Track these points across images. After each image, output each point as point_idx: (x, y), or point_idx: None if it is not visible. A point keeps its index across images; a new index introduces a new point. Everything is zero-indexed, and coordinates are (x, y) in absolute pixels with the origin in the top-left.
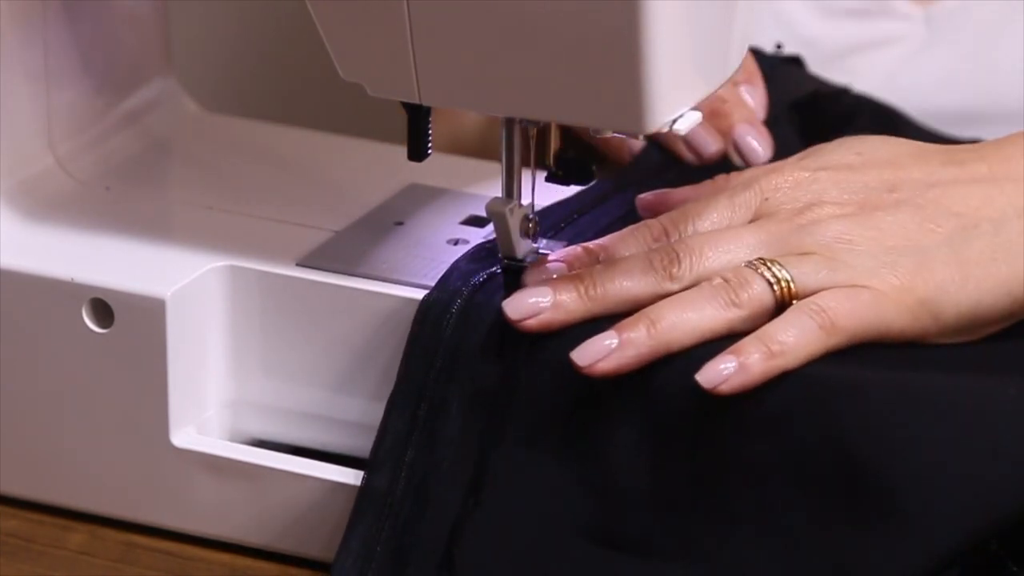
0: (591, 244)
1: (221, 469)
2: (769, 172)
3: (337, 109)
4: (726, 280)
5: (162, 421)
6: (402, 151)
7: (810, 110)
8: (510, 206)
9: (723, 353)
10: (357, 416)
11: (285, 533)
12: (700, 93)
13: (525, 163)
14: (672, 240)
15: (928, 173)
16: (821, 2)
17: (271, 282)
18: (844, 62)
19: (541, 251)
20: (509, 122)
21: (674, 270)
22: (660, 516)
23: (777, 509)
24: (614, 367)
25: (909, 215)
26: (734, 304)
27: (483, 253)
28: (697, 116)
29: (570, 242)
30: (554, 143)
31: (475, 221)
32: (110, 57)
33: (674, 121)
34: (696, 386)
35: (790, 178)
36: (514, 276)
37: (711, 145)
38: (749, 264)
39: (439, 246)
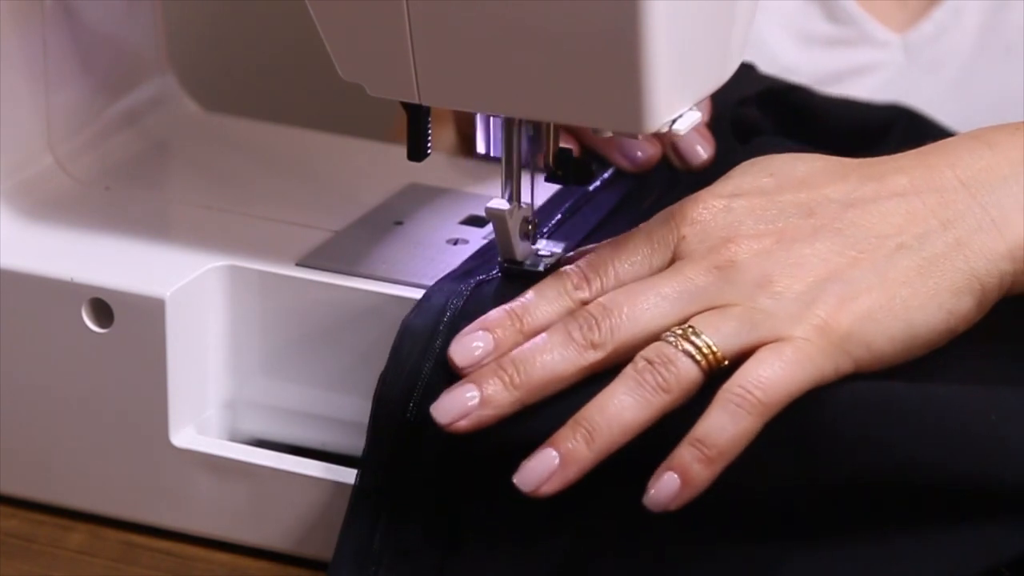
0: (511, 305)
1: (221, 469)
2: (684, 204)
3: (337, 109)
4: (649, 362)
5: (162, 421)
6: (402, 151)
7: (779, 103)
8: (510, 208)
9: (663, 468)
10: (356, 415)
11: (285, 533)
12: (700, 93)
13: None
14: (592, 286)
15: (845, 192)
16: (800, 30)
17: (271, 282)
18: (824, 90)
19: (540, 253)
20: (509, 122)
21: (594, 337)
22: (636, 563)
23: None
24: (559, 487)
25: (829, 244)
26: (663, 390)
27: (434, 303)
28: (697, 116)
29: (568, 243)
30: (554, 143)
31: (474, 221)
32: (109, 57)
33: (673, 121)
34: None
35: (704, 210)
36: (514, 278)
37: (647, 149)
38: (670, 336)
39: (438, 246)
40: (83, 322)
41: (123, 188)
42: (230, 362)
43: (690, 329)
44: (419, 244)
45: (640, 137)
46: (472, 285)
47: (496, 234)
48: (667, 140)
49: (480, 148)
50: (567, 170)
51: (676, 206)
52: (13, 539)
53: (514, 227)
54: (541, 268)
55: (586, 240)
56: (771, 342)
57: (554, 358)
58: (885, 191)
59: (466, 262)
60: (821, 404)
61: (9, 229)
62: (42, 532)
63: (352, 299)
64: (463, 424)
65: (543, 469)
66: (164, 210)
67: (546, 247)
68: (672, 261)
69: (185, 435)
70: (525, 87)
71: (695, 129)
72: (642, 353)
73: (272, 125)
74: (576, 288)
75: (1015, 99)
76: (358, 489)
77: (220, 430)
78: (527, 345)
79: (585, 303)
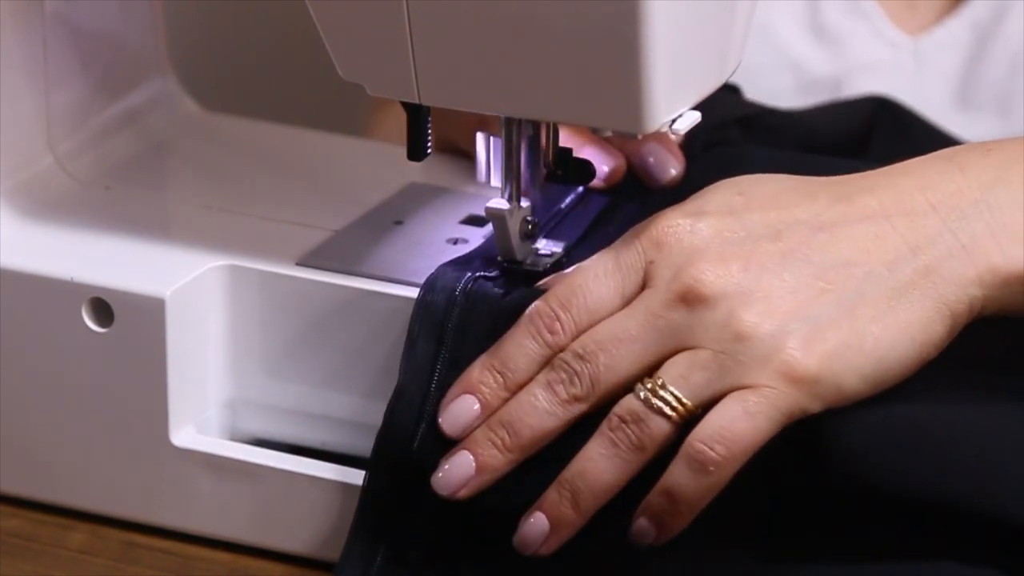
0: (490, 359)
1: (221, 468)
2: (649, 225)
3: (337, 109)
4: (622, 420)
5: (162, 420)
6: (402, 151)
7: (759, 126)
8: (510, 208)
9: (640, 511)
10: (356, 415)
11: (285, 532)
12: (700, 93)
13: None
14: (565, 328)
15: (814, 214)
16: (811, 21)
17: (271, 282)
18: (831, 86)
19: (541, 252)
20: (509, 122)
21: (576, 392)
22: None
23: None
24: (555, 547)
25: (796, 273)
26: (637, 448)
27: (421, 352)
28: (696, 116)
29: (568, 243)
30: (554, 143)
31: (474, 221)
32: (109, 57)
33: (673, 121)
34: None
35: (669, 230)
36: (516, 279)
37: (609, 162)
38: (641, 390)
39: (438, 245)
40: (83, 322)
41: (123, 188)
42: (230, 362)
43: (659, 382)
44: (419, 243)
45: (599, 150)
46: (464, 293)
47: (496, 234)
48: (636, 158)
49: (481, 176)
50: (567, 170)
51: (642, 226)
52: (14, 539)
53: (514, 227)
54: (541, 268)
55: (582, 239)
56: (738, 388)
57: (541, 416)
58: (854, 214)
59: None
60: (835, 429)
61: (9, 229)
62: (43, 532)
63: (352, 298)
64: (464, 493)
65: (538, 533)
66: (164, 210)
67: (546, 247)
68: (643, 284)
69: (185, 435)
70: (525, 87)
71: (665, 146)
72: (615, 410)
73: (272, 125)
74: (550, 331)
75: (1019, 109)
76: (358, 521)
77: (220, 430)
78: (513, 405)
79: (561, 347)
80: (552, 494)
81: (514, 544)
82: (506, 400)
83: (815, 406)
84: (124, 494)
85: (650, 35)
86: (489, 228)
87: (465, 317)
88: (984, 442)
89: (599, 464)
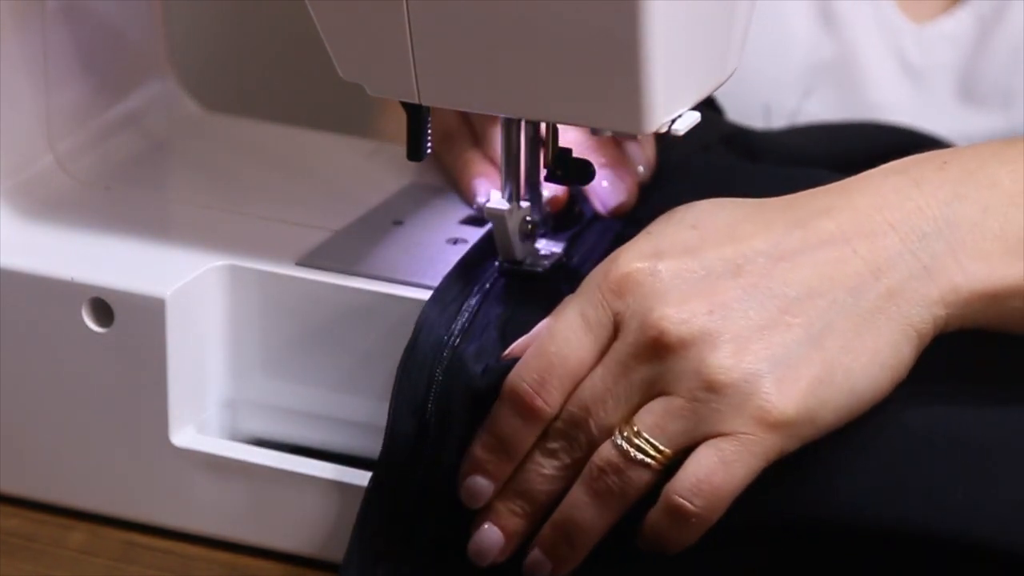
0: (488, 439)
1: (221, 468)
2: (609, 272)
3: (337, 109)
4: (602, 471)
5: (162, 420)
6: (402, 150)
7: (742, 146)
8: (509, 208)
9: (638, 535)
10: (356, 415)
11: (285, 532)
12: (700, 93)
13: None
14: (549, 402)
15: (773, 243)
16: (821, 4)
17: (271, 282)
18: (835, 71)
19: (541, 252)
20: (509, 122)
21: (577, 455)
22: None
23: None
24: (563, 574)
25: (761, 309)
26: (620, 496)
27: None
28: (696, 116)
29: (567, 243)
30: (553, 143)
31: (474, 220)
32: (109, 57)
33: (673, 121)
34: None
35: (629, 277)
36: (515, 279)
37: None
38: (619, 439)
39: (438, 245)
40: (83, 322)
41: (123, 188)
42: (230, 362)
43: (635, 429)
44: (419, 244)
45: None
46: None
47: (496, 234)
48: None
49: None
50: (567, 170)
51: (601, 274)
52: (14, 538)
53: (514, 227)
54: (540, 269)
55: (579, 237)
56: (714, 436)
57: (551, 482)
58: (813, 239)
59: (458, 273)
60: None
61: (9, 229)
62: (43, 531)
63: (352, 299)
64: (500, 559)
65: (543, 571)
66: (164, 210)
67: (546, 247)
68: (615, 332)
69: (185, 435)
70: (525, 87)
71: (618, 174)
72: (594, 459)
73: (272, 125)
74: (535, 409)
75: (1020, 103)
76: (357, 539)
77: (220, 430)
78: (523, 476)
79: (550, 418)
80: (547, 533)
81: None
82: (513, 470)
83: (792, 446)
84: (124, 494)
85: (650, 35)
86: (489, 227)
87: (446, 398)
88: (972, 458)
89: (584, 512)
